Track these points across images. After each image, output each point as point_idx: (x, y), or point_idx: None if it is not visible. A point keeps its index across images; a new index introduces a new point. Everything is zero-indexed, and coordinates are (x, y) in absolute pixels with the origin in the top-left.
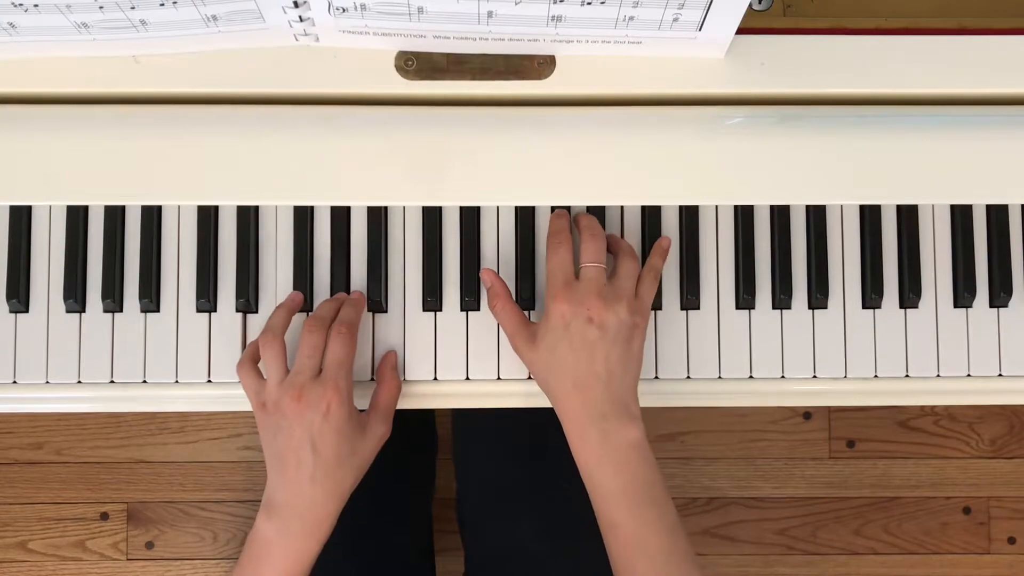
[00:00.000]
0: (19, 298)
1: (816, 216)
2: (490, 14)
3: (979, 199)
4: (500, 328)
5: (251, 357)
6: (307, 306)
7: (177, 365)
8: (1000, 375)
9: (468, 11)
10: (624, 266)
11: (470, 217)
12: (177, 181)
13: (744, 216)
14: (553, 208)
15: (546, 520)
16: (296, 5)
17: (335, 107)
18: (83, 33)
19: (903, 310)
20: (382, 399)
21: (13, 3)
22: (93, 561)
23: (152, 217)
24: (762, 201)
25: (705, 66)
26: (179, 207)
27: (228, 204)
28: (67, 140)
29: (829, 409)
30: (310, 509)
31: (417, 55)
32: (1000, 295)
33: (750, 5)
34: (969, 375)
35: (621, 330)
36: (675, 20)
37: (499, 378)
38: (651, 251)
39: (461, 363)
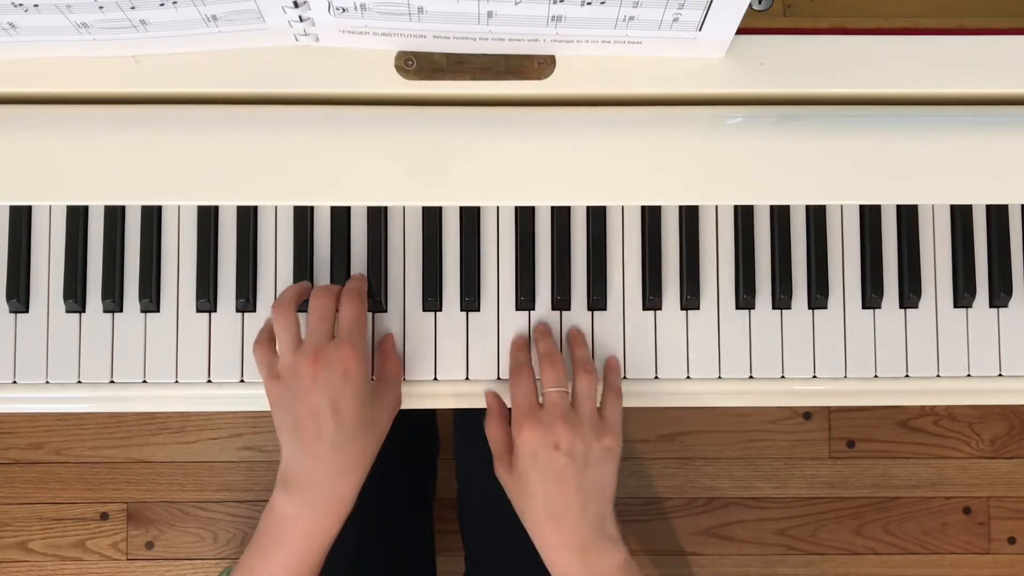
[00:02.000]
0: (19, 298)
1: (816, 216)
2: (490, 14)
3: (979, 199)
4: (500, 328)
5: (268, 334)
6: (307, 306)
7: (177, 365)
8: (1000, 375)
9: (468, 11)
10: (580, 386)
11: (470, 217)
12: (177, 181)
13: (744, 216)
14: (553, 209)
15: None
16: (296, 5)
17: (335, 107)
18: (83, 33)
19: (903, 310)
20: (388, 369)
21: (13, 3)
22: (93, 561)
23: (152, 217)
24: (762, 201)
25: (705, 66)
26: (179, 207)
27: (228, 204)
28: (67, 140)
29: (829, 409)
30: (332, 481)
31: (417, 55)
32: (1000, 295)
33: (750, 5)
34: (969, 375)
35: (590, 454)
36: (675, 20)
37: (499, 378)
38: (605, 370)
39: (461, 363)
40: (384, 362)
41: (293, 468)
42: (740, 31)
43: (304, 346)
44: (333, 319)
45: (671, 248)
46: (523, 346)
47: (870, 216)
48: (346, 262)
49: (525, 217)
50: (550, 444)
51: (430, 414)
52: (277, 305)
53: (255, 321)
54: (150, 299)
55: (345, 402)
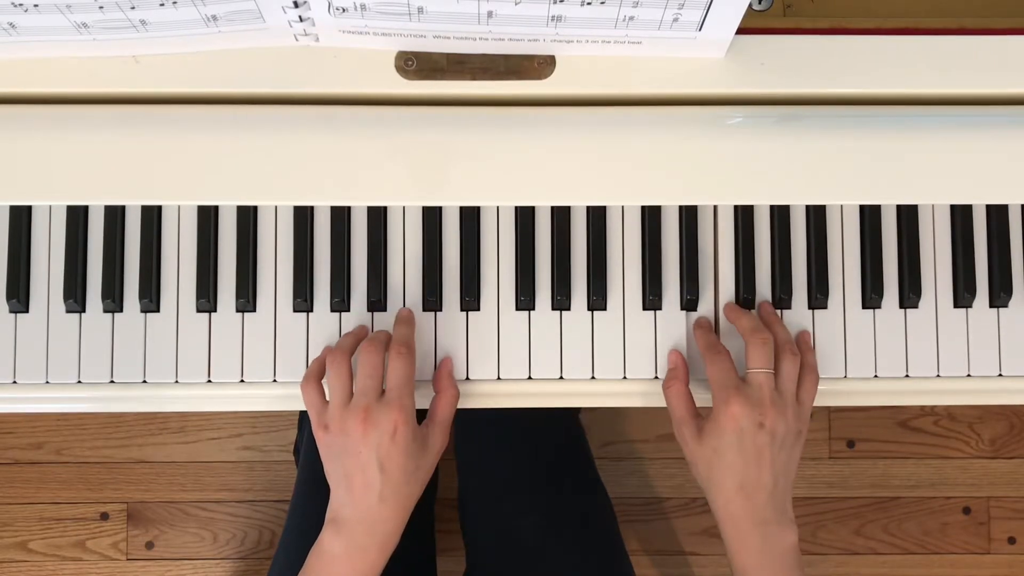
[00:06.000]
0: (19, 298)
1: (816, 216)
2: (490, 14)
3: (979, 199)
4: (500, 328)
5: (316, 374)
6: (307, 305)
7: (177, 365)
8: (1000, 375)
9: (468, 11)
10: (786, 368)
11: (470, 217)
12: (177, 181)
13: (744, 216)
14: (553, 209)
15: (548, 517)
16: (296, 5)
17: (335, 107)
18: (83, 33)
19: (903, 310)
20: (440, 410)
21: (13, 3)
22: (93, 561)
23: (152, 217)
24: (762, 201)
25: (705, 66)
26: (179, 207)
27: (228, 204)
28: (67, 140)
29: (829, 409)
30: (380, 525)
31: (417, 55)
32: (1000, 295)
33: (750, 5)
34: (969, 375)
35: (788, 437)
36: (675, 20)
37: (499, 378)
38: (801, 348)
39: (462, 364)
40: (439, 398)
41: (342, 512)
42: (740, 31)
43: (354, 403)
44: (382, 376)
45: (671, 248)
46: (710, 328)
47: (870, 216)
48: (346, 262)
49: (525, 217)
50: (756, 422)
51: None
52: (334, 352)
53: (255, 321)
54: (150, 299)
55: (392, 459)
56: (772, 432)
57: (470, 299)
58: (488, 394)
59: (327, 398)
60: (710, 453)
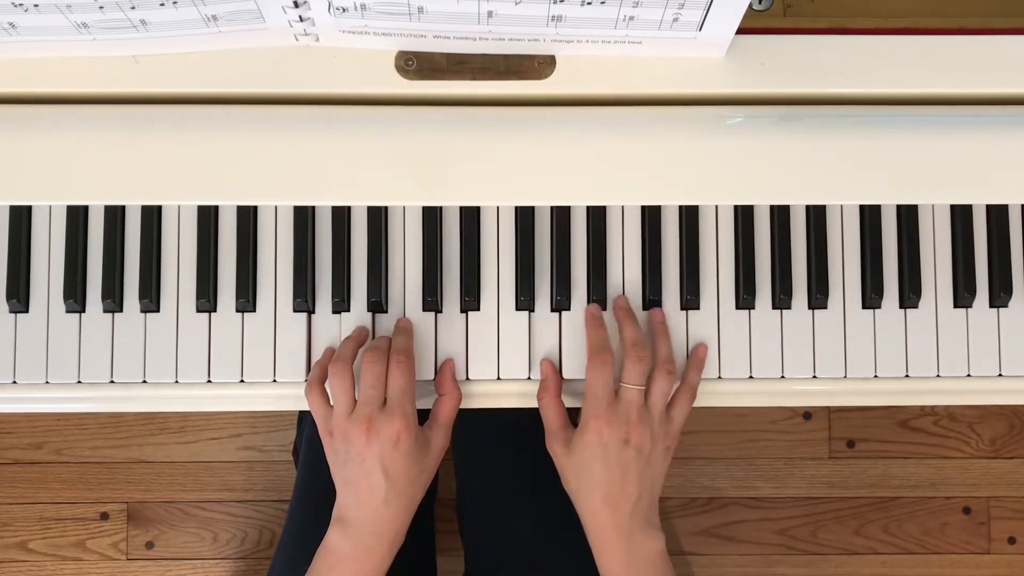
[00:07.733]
0: (19, 298)
1: (816, 216)
2: (490, 14)
3: (979, 199)
4: (500, 328)
5: (319, 380)
6: (307, 305)
7: (177, 365)
8: (1000, 375)
9: (468, 11)
10: (658, 386)
11: (470, 217)
12: (177, 181)
13: (744, 216)
14: (553, 209)
15: (547, 517)
16: (296, 5)
17: (335, 107)
18: (83, 33)
19: (903, 310)
20: (443, 412)
21: (13, 3)
22: (93, 561)
23: (152, 217)
24: (762, 201)
25: (705, 66)
26: (179, 207)
27: (228, 204)
28: (67, 140)
29: (829, 409)
30: (385, 525)
31: (417, 55)
32: (1000, 295)
33: (750, 5)
34: (969, 375)
35: (654, 452)
36: (675, 20)
37: (499, 378)
38: (688, 363)
39: (461, 364)
40: (441, 400)
41: (348, 513)
42: (740, 31)
43: (357, 413)
44: (384, 385)
45: (671, 248)
46: (600, 323)
47: (870, 216)
48: (346, 262)
49: (525, 217)
50: (621, 439)
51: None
52: (336, 362)
53: (255, 321)
54: (150, 299)
55: (396, 465)
56: (637, 448)
57: (470, 299)
58: (488, 394)
59: (331, 403)
60: (577, 465)
